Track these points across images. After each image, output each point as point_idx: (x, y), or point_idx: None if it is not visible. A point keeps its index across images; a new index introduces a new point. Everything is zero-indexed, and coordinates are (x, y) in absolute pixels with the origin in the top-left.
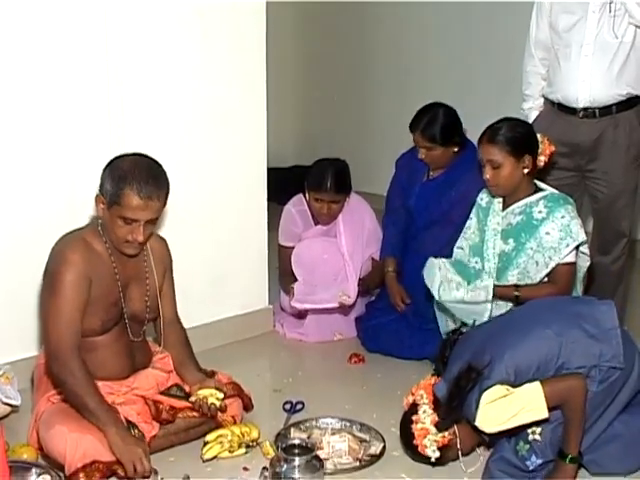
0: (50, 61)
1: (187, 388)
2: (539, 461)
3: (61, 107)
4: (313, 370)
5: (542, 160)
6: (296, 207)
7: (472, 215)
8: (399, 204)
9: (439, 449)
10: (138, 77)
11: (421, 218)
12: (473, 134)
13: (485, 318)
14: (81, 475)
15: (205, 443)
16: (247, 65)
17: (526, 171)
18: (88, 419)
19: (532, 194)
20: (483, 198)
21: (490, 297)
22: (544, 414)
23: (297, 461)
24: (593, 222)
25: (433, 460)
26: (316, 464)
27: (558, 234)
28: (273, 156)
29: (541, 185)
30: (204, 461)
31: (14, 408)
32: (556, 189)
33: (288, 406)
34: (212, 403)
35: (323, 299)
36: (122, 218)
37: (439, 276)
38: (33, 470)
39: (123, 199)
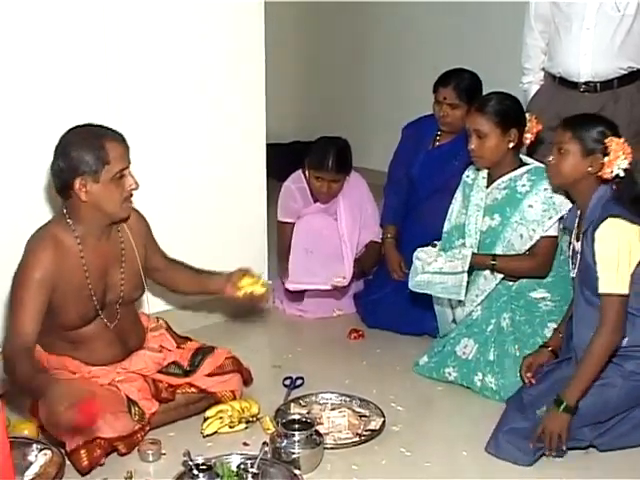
0: (47, 54)
1: (185, 364)
2: None
3: (59, 99)
4: (313, 346)
5: (528, 138)
6: (295, 184)
7: (457, 194)
8: (402, 173)
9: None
10: (135, 52)
11: (423, 187)
12: None
13: (462, 296)
14: (82, 452)
15: (205, 419)
16: (246, 40)
17: (511, 145)
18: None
19: (517, 169)
20: (469, 175)
21: (467, 267)
22: (617, 290)
23: (297, 436)
24: None
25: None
26: (316, 439)
27: (541, 206)
28: (272, 132)
29: (526, 160)
30: (204, 437)
31: None
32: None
33: (288, 381)
34: (261, 293)
35: (316, 281)
36: (116, 175)
37: (417, 263)
38: (34, 446)
39: (110, 153)
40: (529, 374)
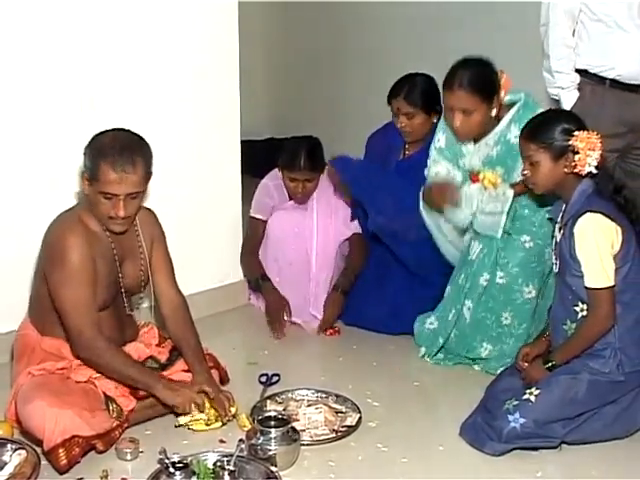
0: (22, 38)
1: (162, 359)
2: (522, 420)
3: (36, 86)
4: (289, 342)
5: (502, 94)
6: (273, 181)
7: (434, 162)
8: None
9: None
10: (109, 48)
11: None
12: None
13: (499, 234)
14: (60, 450)
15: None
16: (219, 37)
17: (494, 112)
18: (136, 386)
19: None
20: (440, 139)
21: (506, 208)
22: (604, 284)
23: (273, 433)
24: None
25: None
26: (292, 436)
27: None
28: (248, 129)
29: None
30: (176, 426)
31: None
32: None
33: (264, 378)
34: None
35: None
36: (102, 193)
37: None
38: (9, 446)
39: (100, 174)
40: (526, 364)
